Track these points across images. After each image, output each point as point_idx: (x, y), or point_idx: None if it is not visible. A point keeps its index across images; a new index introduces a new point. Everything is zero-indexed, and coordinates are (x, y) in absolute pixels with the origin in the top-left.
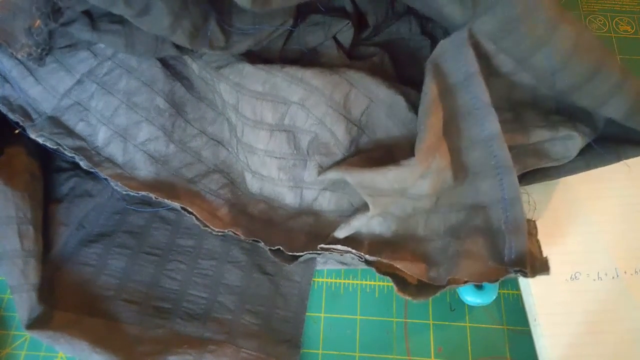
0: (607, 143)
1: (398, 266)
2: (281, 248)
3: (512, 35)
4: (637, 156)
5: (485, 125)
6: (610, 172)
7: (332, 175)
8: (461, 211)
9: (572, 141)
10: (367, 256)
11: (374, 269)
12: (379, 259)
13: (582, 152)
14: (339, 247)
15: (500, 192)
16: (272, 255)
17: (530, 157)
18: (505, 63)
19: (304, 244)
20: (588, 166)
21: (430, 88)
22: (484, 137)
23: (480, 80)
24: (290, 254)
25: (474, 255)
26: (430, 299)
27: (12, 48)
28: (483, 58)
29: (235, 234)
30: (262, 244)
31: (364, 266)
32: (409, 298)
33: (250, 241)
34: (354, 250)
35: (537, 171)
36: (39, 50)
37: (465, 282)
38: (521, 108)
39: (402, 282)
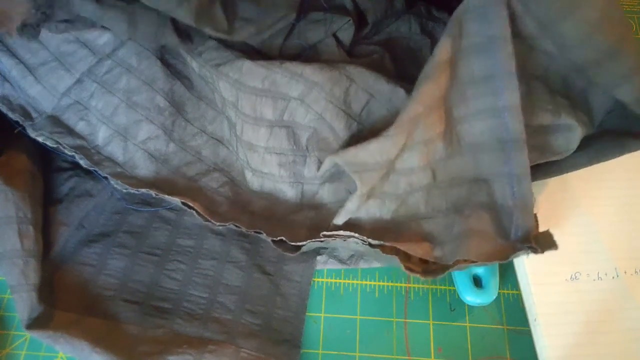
0: (609, 137)
1: (402, 248)
2: (283, 238)
3: None
4: (639, 149)
5: (504, 95)
6: (611, 172)
7: (326, 164)
8: (462, 185)
9: (572, 133)
10: (370, 240)
11: (379, 250)
12: (382, 242)
13: (584, 147)
14: (341, 232)
15: (507, 167)
16: (274, 245)
17: (531, 152)
18: (529, 26)
19: (306, 236)
20: (590, 161)
21: (442, 49)
22: (499, 107)
23: (509, 45)
24: (293, 244)
25: (480, 233)
26: (430, 299)
27: (8, 27)
28: (509, 19)
29: (236, 226)
30: (264, 235)
31: (365, 265)
32: (417, 275)
33: (252, 233)
34: (356, 235)
35: (538, 168)
36: (38, 14)
37: (473, 262)
38: (533, 82)
39: (408, 261)
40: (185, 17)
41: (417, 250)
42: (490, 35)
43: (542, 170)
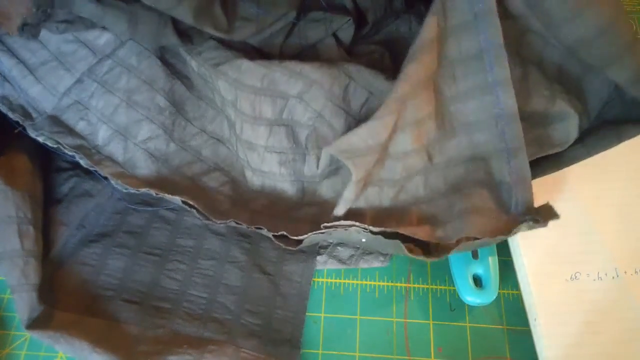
0: (607, 126)
1: (403, 232)
2: (285, 233)
3: None
4: (637, 135)
5: (495, 69)
6: (611, 172)
7: (323, 158)
8: (459, 165)
9: (568, 122)
10: (371, 227)
11: (381, 237)
12: (384, 229)
13: (582, 138)
14: (342, 222)
15: (502, 143)
16: (275, 240)
17: (530, 146)
18: (516, 4)
19: (308, 231)
20: (589, 152)
21: (428, 27)
22: (489, 83)
23: (496, 19)
24: (295, 237)
25: (481, 210)
26: (430, 299)
27: (7, 27)
28: None
29: (237, 223)
30: (264, 231)
31: (365, 265)
32: (420, 257)
33: (253, 228)
34: (357, 223)
35: (538, 164)
36: (39, 13)
37: (477, 239)
38: (529, 66)
39: (411, 245)
40: (184, 15)
41: (419, 232)
42: (476, 11)
43: (542, 165)
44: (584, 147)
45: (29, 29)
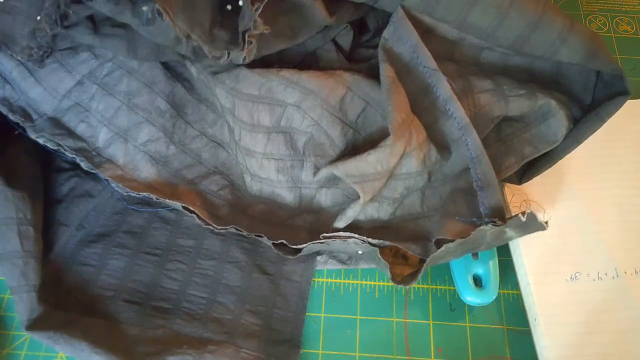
0: (588, 110)
1: (401, 247)
2: (284, 242)
3: (440, 2)
4: (617, 110)
5: (439, 90)
6: (611, 172)
7: (323, 173)
8: (453, 180)
9: (557, 116)
10: (369, 239)
11: (377, 250)
12: (382, 241)
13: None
14: (341, 233)
15: (468, 152)
16: (274, 248)
17: (526, 146)
18: (448, 30)
19: (306, 239)
20: (577, 141)
21: (386, 69)
22: (442, 104)
23: (424, 47)
24: (293, 247)
25: (456, 215)
26: (430, 299)
27: (12, 50)
28: (426, 31)
29: (237, 229)
30: (264, 239)
31: (365, 265)
32: (401, 285)
33: (253, 236)
34: (356, 235)
35: (533, 163)
36: (40, 52)
37: (450, 241)
38: (497, 76)
39: (399, 271)
40: (185, 53)
41: (415, 249)
42: (410, 46)
43: (537, 164)
44: (570, 137)
45: (34, 62)
